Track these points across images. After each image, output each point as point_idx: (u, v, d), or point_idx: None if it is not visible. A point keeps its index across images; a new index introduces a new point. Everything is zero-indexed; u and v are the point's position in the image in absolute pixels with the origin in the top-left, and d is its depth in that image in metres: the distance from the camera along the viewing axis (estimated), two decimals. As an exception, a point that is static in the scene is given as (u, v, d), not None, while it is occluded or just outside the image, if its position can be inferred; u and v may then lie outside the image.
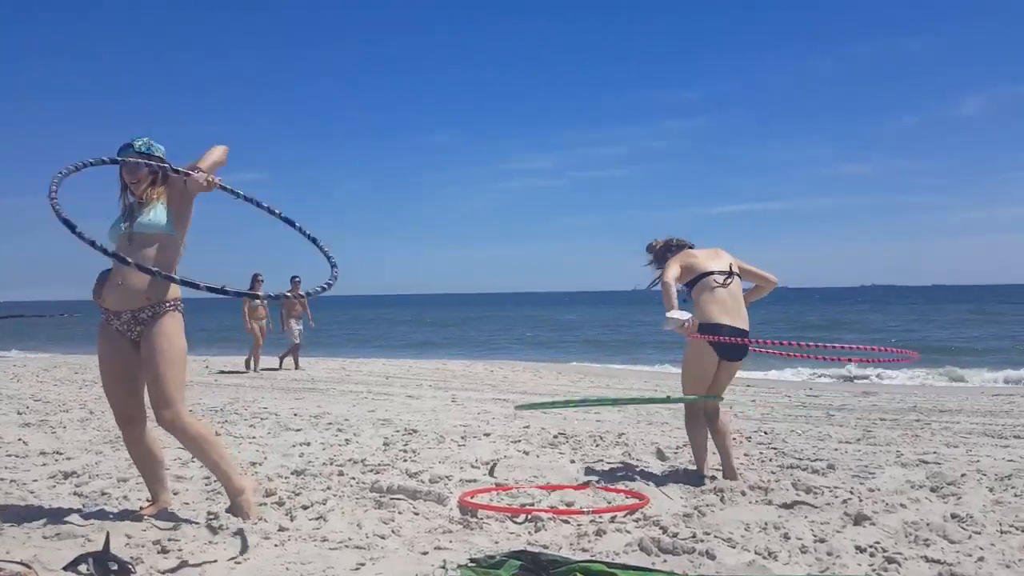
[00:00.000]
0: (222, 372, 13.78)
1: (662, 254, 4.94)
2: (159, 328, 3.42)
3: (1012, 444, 6.04)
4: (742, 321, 4.61)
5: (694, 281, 4.68)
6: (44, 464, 4.90)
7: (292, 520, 3.63)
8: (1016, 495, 4.16)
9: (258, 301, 13.08)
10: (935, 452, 5.59)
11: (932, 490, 4.29)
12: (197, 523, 3.53)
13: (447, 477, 4.58)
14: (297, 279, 13.58)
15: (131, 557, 2.98)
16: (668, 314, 4.48)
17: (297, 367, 14.27)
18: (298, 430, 6.47)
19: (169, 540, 3.21)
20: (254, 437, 6.02)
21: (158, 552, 3.10)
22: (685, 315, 4.48)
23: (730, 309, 4.59)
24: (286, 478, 4.53)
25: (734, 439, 4.75)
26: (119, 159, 3.56)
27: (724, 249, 4.84)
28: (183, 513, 3.72)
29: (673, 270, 4.65)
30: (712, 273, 4.65)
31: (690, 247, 4.90)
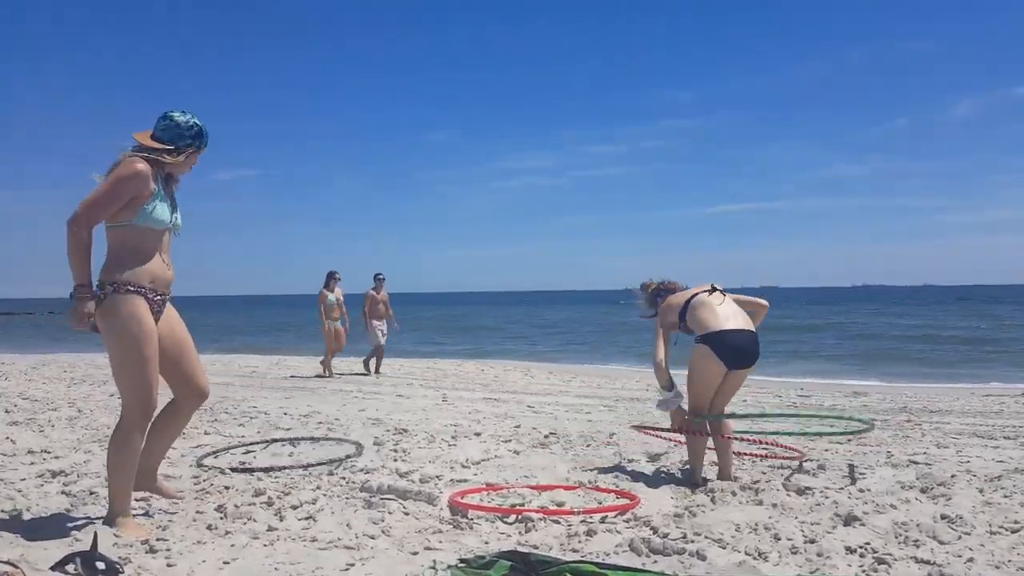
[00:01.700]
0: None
1: (652, 298, 4.99)
2: (173, 310, 3.63)
3: (1002, 445, 6.06)
4: (745, 323, 4.59)
5: (683, 311, 4.69)
6: (32, 463, 4.86)
7: (281, 520, 3.61)
8: (1006, 496, 4.18)
9: (333, 298, 12.20)
10: (925, 453, 5.61)
11: (922, 491, 4.30)
12: (186, 523, 3.51)
13: (437, 477, 4.56)
14: (381, 276, 12.81)
15: (119, 557, 2.96)
16: (660, 397, 4.71)
17: (377, 372, 12.97)
18: (288, 429, 6.44)
19: (158, 540, 3.19)
20: (243, 436, 5.99)
21: (146, 552, 3.08)
22: (676, 402, 4.63)
23: (730, 314, 4.58)
24: (275, 477, 4.51)
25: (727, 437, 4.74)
26: (202, 143, 3.52)
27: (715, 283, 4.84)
28: (171, 512, 3.69)
29: (660, 336, 4.73)
30: (696, 294, 4.69)
31: (682, 288, 4.92)
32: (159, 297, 3.44)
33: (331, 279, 12.23)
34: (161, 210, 3.40)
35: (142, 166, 3.32)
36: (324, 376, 12.27)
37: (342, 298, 12.46)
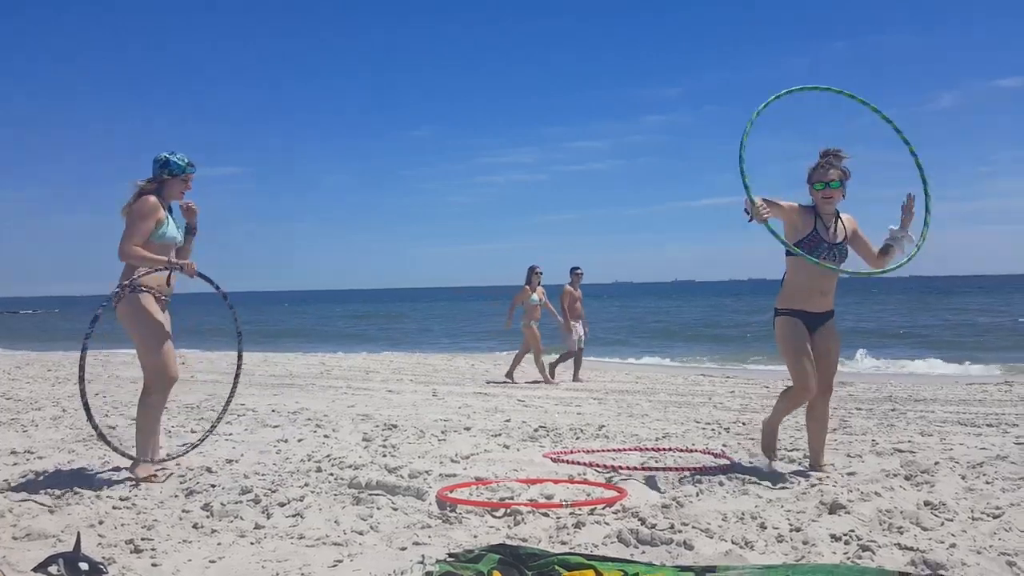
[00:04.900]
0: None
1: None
2: (168, 316, 4.54)
3: (985, 432, 6.12)
4: None
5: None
6: (15, 464, 4.82)
7: (268, 518, 3.60)
8: (987, 482, 4.22)
9: (536, 297, 10.98)
10: (910, 441, 5.65)
11: (906, 478, 4.34)
12: (172, 522, 3.49)
13: (427, 472, 4.56)
14: (579, 271, 11.49)
15: (103, 557, 2.94)
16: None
17: (576, 377, 11.47)
18: (276, 426, 6.42)
19: (143, 539, 3.17)
20: (231, 434, 5.97)
21: (131, 552, 3.06)
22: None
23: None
24: (263, 475, 4.50)
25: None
26: (183, 170, 4.44)
27: None
28: (157, 511, 3.68)
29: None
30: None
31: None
32: (164, 299, 4.44)
33: (533, 275, 10.99)
34: (172, 233, 4.40)
35: (151, 199, 4.32)
36: (551, 382, 11.08)
37: (545, 298, 11.20)
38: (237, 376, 4.73)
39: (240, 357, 4.74)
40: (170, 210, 4.47)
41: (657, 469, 4.69)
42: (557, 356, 11.68)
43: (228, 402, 4.84)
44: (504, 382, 11.26)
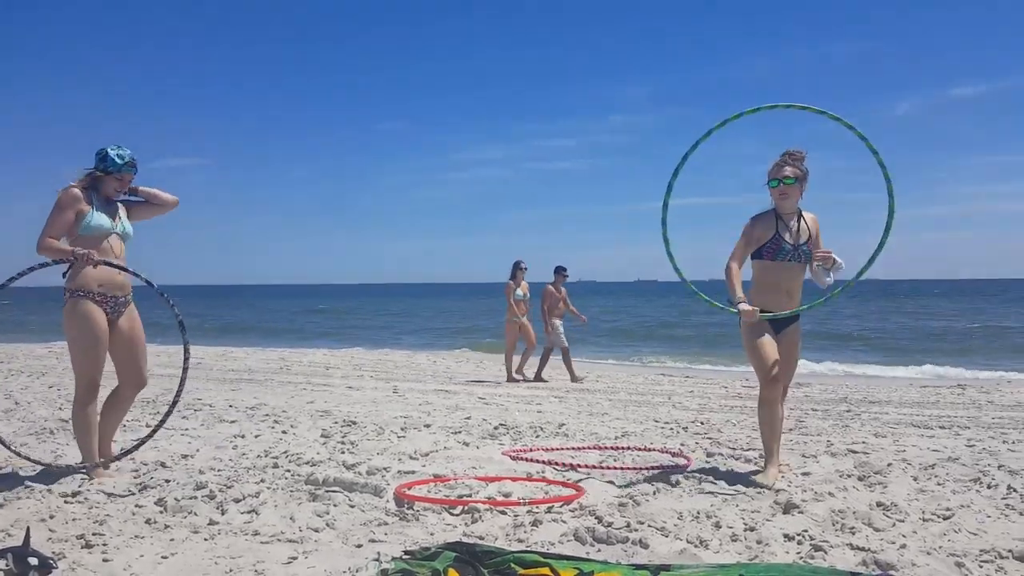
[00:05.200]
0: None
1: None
2: (134, 312, 4.43)
3: (937, 434, 6.26)
4: None
5: None
6: (-38, 457, 4.68)
7: (223, 514, 3.55)
8: (939, 484, 4.32)
9: (520, 292, 10.95)
10: (864, 442, 5.76)
11: (860, 479, 4.42)
12: (124, 517, 3.43)
13: (385, 469, 4.53)
14: (564, 272, 11.29)
15: (53, 552, 2.88)
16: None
17: (575, 378, 11.14)
18: (233, 422, 6.33)
19: (94, 535, 3.11)
20: (186, 429, 5.87)
21: (82, 547, 3.00)
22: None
23: None
24: (218, 470, 4.43)
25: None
26: (119, 168, 4.24)
27: None
28: (109, 506, 3.60)
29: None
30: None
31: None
32: (112, 298, 4.25)
33: (517, 270, 10.92)
34: (98, 225, 4.17)
35: (72, 190, 4.17)
36: (517, 380, 11.01)
37: (528, 293, 11.21)
38: (185, 369, 4.50)
39: (187, 349, 4.46)
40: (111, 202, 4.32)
41: (615, 468, 4.72)
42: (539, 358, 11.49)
43: (177, 394, 4.54)
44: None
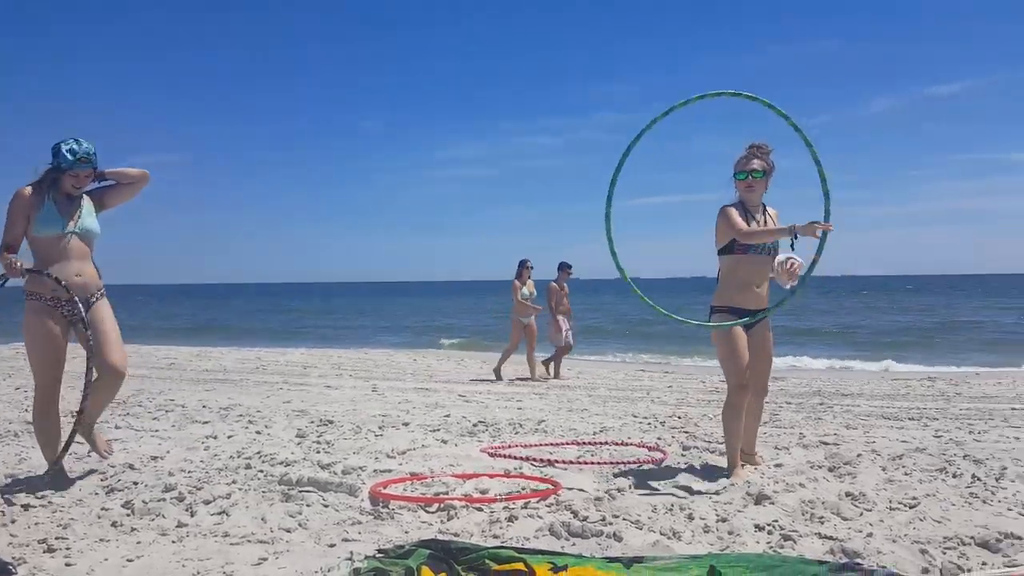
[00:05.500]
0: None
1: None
2: (105, 306, 4.22)
3: (906, 426, 6.35)
4: None
5: None
6: (-75, 462, 4.60)
7: (192, 515, 3.51)
8: (906, 474, 4.38)
9: (527, 291, 10.78)
10: (835, 434, 5.83)
11: (830, 470, 4.46)
12: (89, 520, 3.38)
13: (360, 468, 4.51)
14: (569, 268, 11.14)
15: (13, 557, 2.83)
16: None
17: (557, 374, 11.24)
18: (205, 422, 6.27)
19: (56, 539, 3.06)
20: (157, 430, 5.80)
21: (44, 551, 2.96)
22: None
23: None
24: (189, 472, 4.38)
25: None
26: (71, 165, 4.00)
27: None
28: (74, 510, 3.55)
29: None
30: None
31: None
32: (68, 302, 4.03)
33: (523, 269, 10.77)
34: (49, 224, 4.00)
35: (22, 192, 4.01)
36: (498, 380, 10.85)
37: (535, 292, 11.06)
38: (89, 369, 4.04)
39: (89, 350, 4.05)
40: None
41: (592, 463, 4.73)
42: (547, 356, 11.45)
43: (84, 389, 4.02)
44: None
